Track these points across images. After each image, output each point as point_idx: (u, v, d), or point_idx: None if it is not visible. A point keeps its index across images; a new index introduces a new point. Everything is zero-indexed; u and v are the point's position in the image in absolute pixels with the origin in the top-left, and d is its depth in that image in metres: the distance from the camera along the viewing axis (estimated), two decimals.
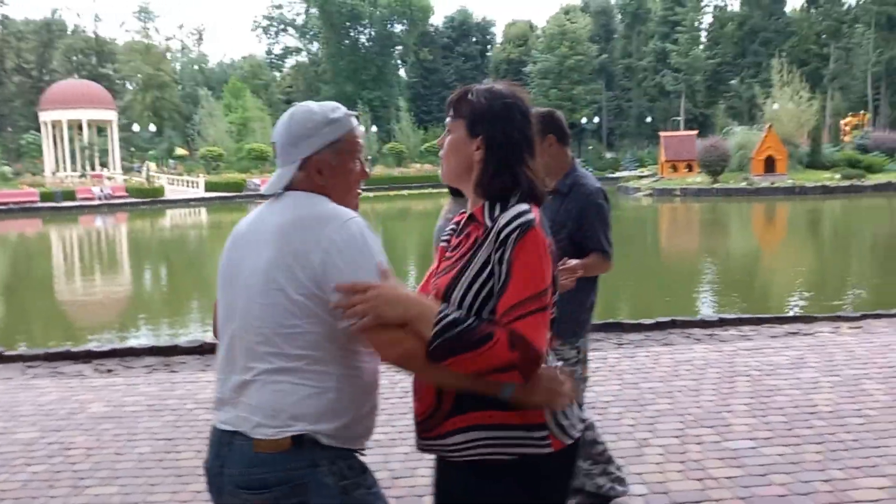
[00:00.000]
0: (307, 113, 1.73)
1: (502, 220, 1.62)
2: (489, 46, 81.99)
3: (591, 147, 60.01)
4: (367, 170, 1.84)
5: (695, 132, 43.75)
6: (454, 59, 78.38)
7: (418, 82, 77.63)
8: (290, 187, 1.72)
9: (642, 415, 4.71)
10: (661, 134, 43.51)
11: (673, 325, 7.07)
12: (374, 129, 59.14)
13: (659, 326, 7.04)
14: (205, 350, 6.41)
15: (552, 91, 65.83)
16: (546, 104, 63.25)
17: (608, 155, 62.80)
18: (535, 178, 1.71)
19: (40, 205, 38.24)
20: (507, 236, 1.59)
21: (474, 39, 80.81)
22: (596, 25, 71.77)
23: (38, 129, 51.79)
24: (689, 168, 38.25)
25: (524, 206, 1.64)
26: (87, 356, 6.38)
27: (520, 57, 73.62)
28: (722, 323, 7.10)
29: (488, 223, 1.67)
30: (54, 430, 4.58)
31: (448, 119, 1.78)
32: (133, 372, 6.04)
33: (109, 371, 6.08)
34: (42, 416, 4.89)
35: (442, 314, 1.55)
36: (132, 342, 7.13)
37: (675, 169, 39.24)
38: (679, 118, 62.81)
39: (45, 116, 49.26)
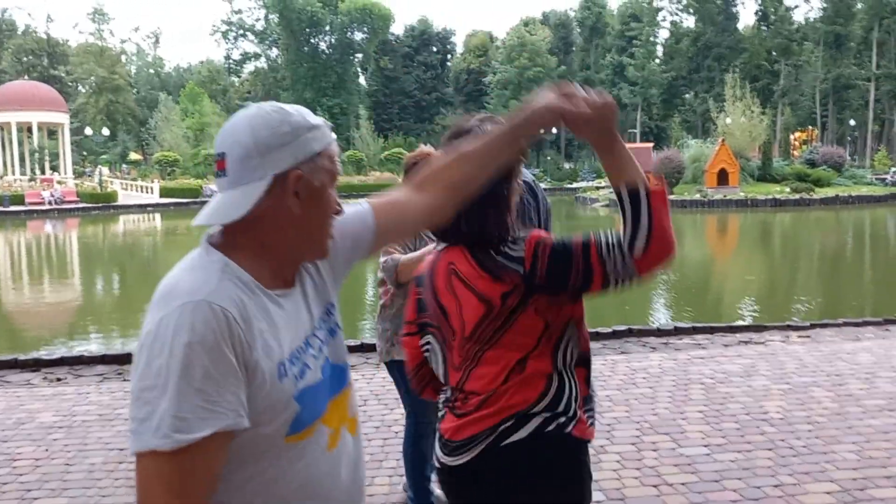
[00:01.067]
0: (281, 113, 1.22)
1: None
2: (449, 56, 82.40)
3: (549, 158, 60.66)
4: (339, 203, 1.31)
5: (650, 144, 44.52)
6: (415, 67, 78.54)
7: (378, 90, 77.58)
8: (253, 216, 1.18)
9: (599, 422, 4.75)
10: None
11: (629, 333, 7.17)
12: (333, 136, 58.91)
13: (615, 335, 7.13)
14: None
15: (511, 101, 66.34)
16: (506, 115, 64.57)
17: (566, 166, 63.51)
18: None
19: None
20: None
21: (435, 49, 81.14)
22: (555, 38, 72.68)
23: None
24: None
25: None
26: (36, 364, 6.21)
27: (480, 67, 74.13)
28: (677, 332, 7.23)
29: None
30: (1, 441, 4.44)
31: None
32: (84, 381, 5.90)
33: (59, 380, 5.93)
34: None
35: None
36: (82, 350, 6.96)
37: None
38: (635, 130, 63.87)
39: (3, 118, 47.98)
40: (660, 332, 7.21)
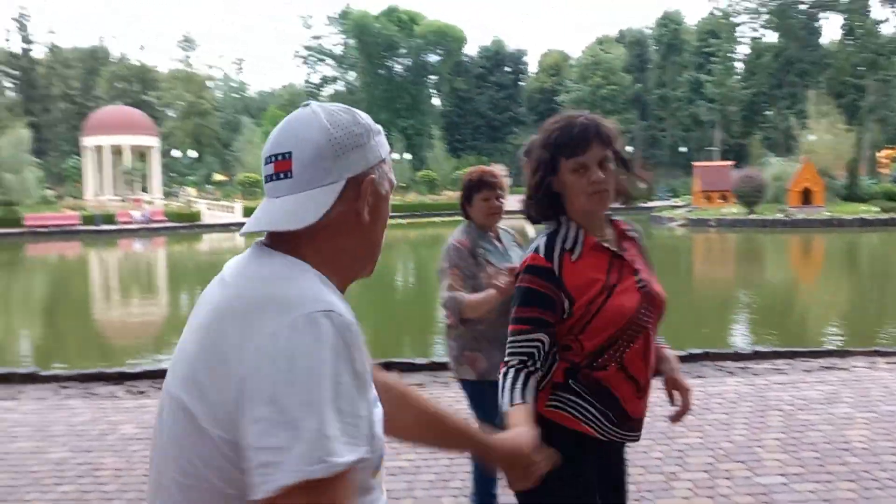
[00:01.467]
0: (350, 113, 1.13)
1: (636, 228, 2.11)
2: (522, 76, 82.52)
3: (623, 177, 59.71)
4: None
5: (730, 163, 43.38)
6: (488, 88, 78.97)
7: (452, 111, 78.28)
8: (323, 223, 1.07)
9: (671, 448, 4.63)
10: (695, 164, 43.23)
11: (706, 357, 6.97)
12: (407, 156, 59.66)
13: (691, 358, 6.94)
14: None
15: None
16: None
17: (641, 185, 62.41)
18: None
19: (81, 227, 39.09)
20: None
21: (508, 69, 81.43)
22: (630, 56, 71.89)
23: (81, 154, 53.16)
24: (724, 199, 37.85)
25: None
26: (120, 378, 6.47)
27: (553, 86, 73.94)
28: (756, 356, 6.99)
29: (634, 234, 2.09)
30: (85, 451, 4.65)
31: (594, 151, 1.91)
32: None
33: (141, 392, 6.16)
34: (73, 437, 4.97)
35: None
36: (165, 364, 7.23)
37: (709, 199, 38.87)
38: (714, 148, 62.35)
39: (88, 142, 50.56)
40: (738, 356, 6.98)
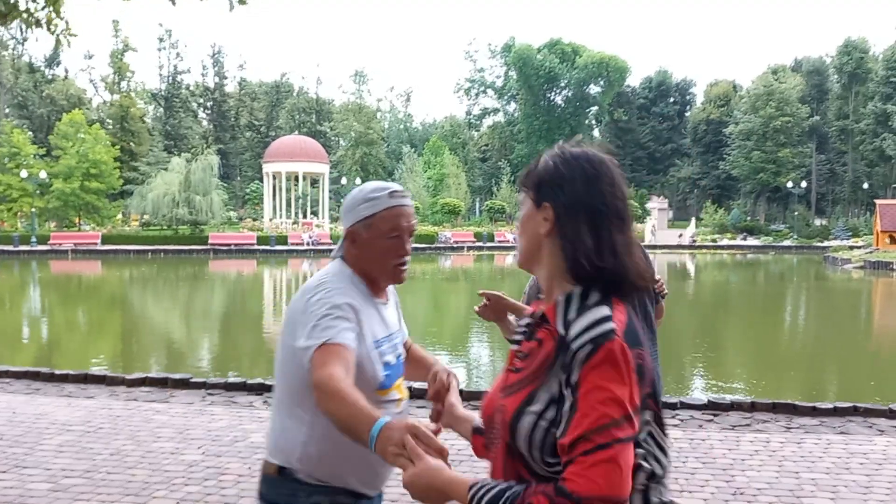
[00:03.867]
0: (356, 191, 1.96)
1: (573, 330, 1.30)
2: (688, 107, 79.88)
3: (797, 213, 56.05)
4: (408, 248, 1.93)
5: None
6: (650, 119, 77.15)
7: (611, 142, 77.03)
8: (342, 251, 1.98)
9: None
10: (879, 202, 39.78)
11: (854, 411, 6.40)
12: None
13: (837, 412, 6.40)
14: None
15: (754, 153, 62.61)
16: (748, 166, 59.82)
17: (817, 222, 58.29)
18: (626, 262, 1.35)
19: (256, 247, 42.29)
20: (575, 354, 1.27)
21: (672, 100, 79.17)
22: (808, 85, 67.61)
23: (262, 180, 57.43)
24: None
25: (604, 310, 1.30)
26: (260, 388, 6.92)
27: (720, 117, 70.93)
28: None
29: (561, 330, 1.33)
30: (215, 455, 5.03)
31: (520, 196, 1.48)
32: None
33: None
34: (209, 441, 5.39)
35: (473, 494, 1.28)
36: None
37: (893, 241, 35.59)
38: None
39: (268, 168, 54.53)
40: (892, 413, 6.35)
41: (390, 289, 2.05)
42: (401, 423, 1.41)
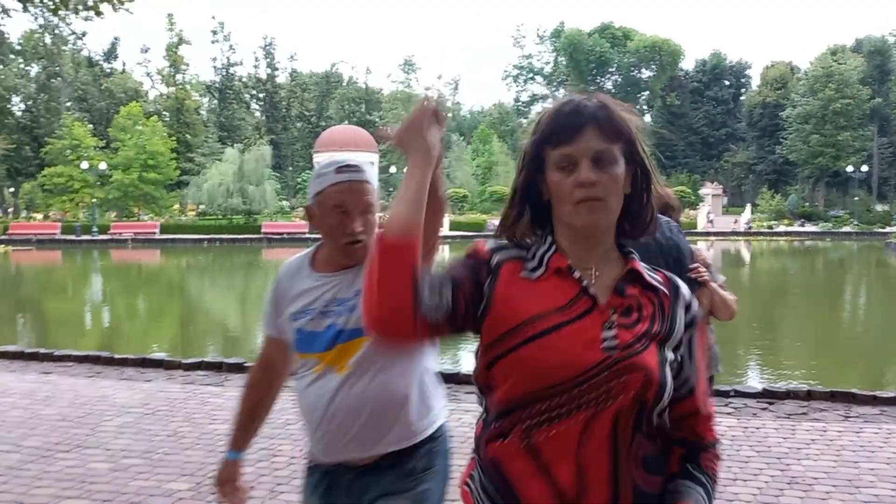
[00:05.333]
0: (315, 166, 2.05)
1: (686, 292, 1.38)
2: (743, 90, 77.89)
3: (857, 198, 54.28)
4: (356, 227, 1.87)
5: None
6: (704, 103, 75.48)
7: (663, 127, 75.72)
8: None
9: (855, 498, 4.21)
10: None
11: None
12: None
13: None
14: None
15: (813, 137, 60.74)
16: (806, 150, 57.98)
17: (878, 208, 56.36)
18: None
19: (308, 236, 42.87)
20: (695, 317, 1.38)
21: (727, 83, 77.28)
22: (869, 66, 65.20)
23: (313, 169, 58.13)
24: None
25: (677, 278, 1.42)
26: None
27: (777, 100, 68.95)
28: None
29: (664, 289, 1.35)
30: (268, 437, 5.13)
31: (588, 140, 1.28)
32: None
33: None
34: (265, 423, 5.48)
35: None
36: None
37: None
38: None
39: (319, 157, 55.08)
40: None
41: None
42: (224, 473, 2.20)
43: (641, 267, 1.36)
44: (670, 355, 1.31)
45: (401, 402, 1.90)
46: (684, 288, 1.38)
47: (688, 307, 1.36)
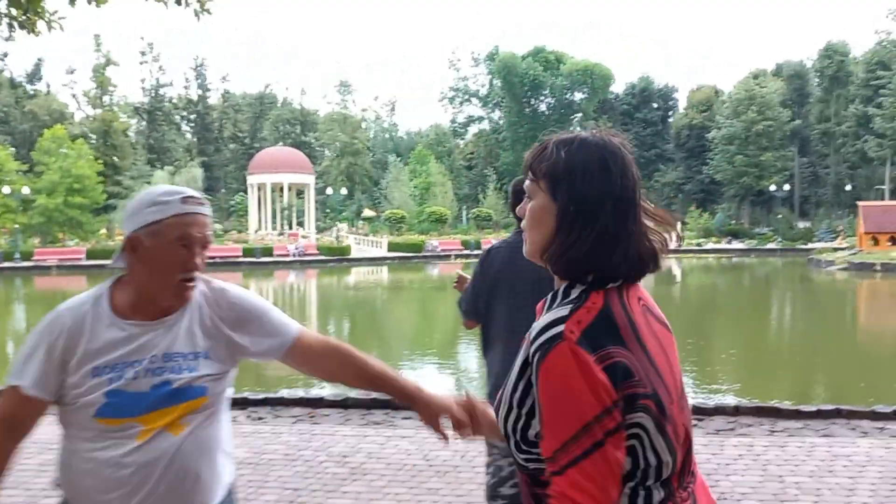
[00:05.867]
0: (144, 194, 1.77)
1: (533, 330, 1.28)
2: (671, 112, 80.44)
3: (780, 216, 56.45)
4: (199, 262, 1.74)
5: None
6: (634, 125, 77.52)
7: None
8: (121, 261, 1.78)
9: None
10: (861, 204, 40.18)
11: (837, 414, 6.43)
12: None
13: (820, 415, 6.43)
14: (348, 405, 6.72)
15: (737, 157, 63.03)
16: (731, 170, 59.83)
17: (801, 225, 58.76)
18: (632, 253, 1.32)
19: (242, 259, 42.08)
20: (532, 356, 1.25)
21: (655, 106, 79.67)
22: (789, 89, 68.21)
23: (246, 191, 57.27)
24: (893, 241, 34.88)
25: (563, 310, 1.26)
26: (244, 403, 6.88)
27: (703, 122, 71.42)
28: None
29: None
30: None
31: (527, 182, 1.39)
32: (280, 421, 6.45)
33: (260, 419, 6.53)
34: None
35: None
36: (285, 393, 7.61)
37: (876, 242, 35.92)
38: (883, 187, 57.68)
39: (253, 180, 54.38)
40: (875, 415, 6.39)
41: (203, 297, 1.83)
42: None
43: (542, 307, 1.39)
44: (518, 394, 1.32)
45: (217, 458, 1.83)
46: (532, 333, 1.28)
47: (531, 347, 1.26)
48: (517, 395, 1.30)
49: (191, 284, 1.74)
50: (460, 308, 3.52)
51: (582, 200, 1.29)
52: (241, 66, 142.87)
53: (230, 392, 1.92)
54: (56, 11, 6.58)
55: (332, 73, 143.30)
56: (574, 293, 1.30)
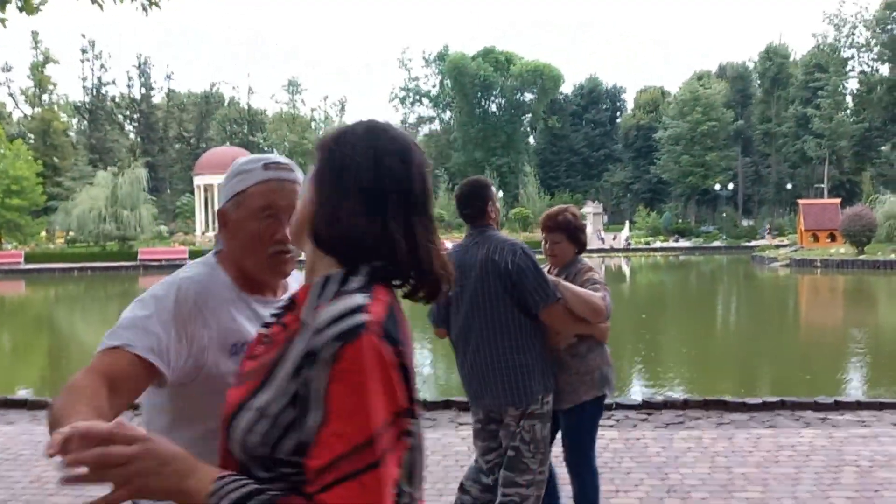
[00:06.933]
0: (233, 163, 1.63)
1: (322, 318, 1.09)
2: (619, 113, 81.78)
3: (724, 214, 57.85)
4: (286, 230, 1.54)
5: (837, 200, 41.33)
6: (583, 125, 78.67)
7: (546, 148, 78.29)
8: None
9: (728, 503, 4.41)
10: (801, 202, 41.40)
11: (781, 405, 6.60)
12: (500, 194, 59.94)
13: (766, 406, 6.59)
14: None
15: (683, 157, 64.38)
16: (678, 170, 61.02)
17: (744, 223, 60.31)
18: (407, 244, 1.17)
19: (189, 261, 41.12)
20: (322, 349, 1.06)
21: (604, 106, 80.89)
22: (732, 91, 69.93)
23: (193, 193, 56.21)
24: (832, 238, 35.99)
25: (357, 298, 1.10)
26: None
27: (650, 123, 72.81)
28: (837, 406, 6.56)
29: (305, 318, 1.15)
30: None
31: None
32: None
33: None
34: None
35: (218, 487, 1.01)
36: None
37: (815, 239, 37.04)
38: (822, 186, 59.59)
39: (199, 181, 53.37)
40: (817, 406, 6.57)
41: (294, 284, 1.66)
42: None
43: (307, 293, 1.20)
44: (262, 399, 1.12)
45: None
46: (319, 323, 1.09)
47: (318, 351, 1.07)
48: (279, 398, 1.09)
49: (286, 256, 1.58)
50: (430, 318, 3.50)
51: (334, 171, 1.19)
52: (187, 65, 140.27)
53: None
54: None
55: (280, 73, 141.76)
56: (356, 282, 1.14)
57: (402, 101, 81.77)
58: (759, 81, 70.74)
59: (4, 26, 6.45)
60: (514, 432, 3.17)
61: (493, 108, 74.53)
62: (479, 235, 3.29)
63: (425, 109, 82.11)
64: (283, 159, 1.62)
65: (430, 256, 1.19)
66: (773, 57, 67.39)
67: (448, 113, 79.73)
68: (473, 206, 3.33)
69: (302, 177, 1.59)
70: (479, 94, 73.26)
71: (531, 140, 79.88)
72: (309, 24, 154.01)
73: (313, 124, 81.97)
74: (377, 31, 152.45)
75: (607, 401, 6.55)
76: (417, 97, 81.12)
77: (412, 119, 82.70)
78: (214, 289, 1.55)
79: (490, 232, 3.30)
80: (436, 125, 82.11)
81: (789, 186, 64.01)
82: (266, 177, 1.58)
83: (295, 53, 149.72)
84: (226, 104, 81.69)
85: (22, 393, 8.32)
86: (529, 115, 75.67)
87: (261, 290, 1.62)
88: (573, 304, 3.16)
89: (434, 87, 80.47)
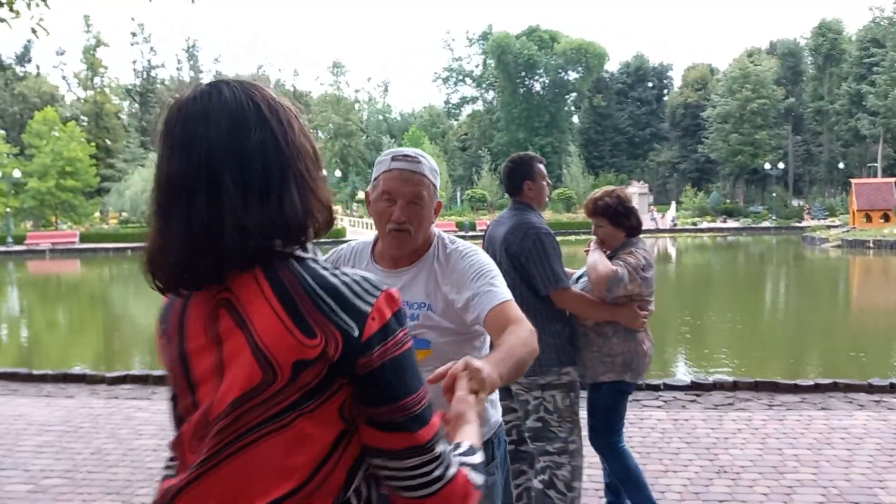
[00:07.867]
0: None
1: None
2: (666, 91, 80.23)
3: (774, 194, 56.53)
4: (398, 216, 1.87)
5: (892, 180, 40.07)
6: (628, 104, 77.38)
7: (590, 128, 77.32)
8: None
9: (779, 484, 4.36)
10: (854, 181, 40.23)
11: (835, 387, 6.47)
12: None
13: (818, 388, 6.46)
14: None
15: (732, 136, 63.01)
16: (726, 149, 59.81)
17: (794, 203, 58.90)
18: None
19: None
20: None
21: (650, 84, 79.46)
22: (783, 68, 68.07)
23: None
24: (886, 218, 34.98)
25: None
26: None
27: (698, 101, 71.30)
28: (892, 389, 6.40)
29: None
30: None
31: None
32: None
33: None
34: None
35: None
36: None
37: (868, 219, 36.02)
38: (876, 164, 57.78)
39: None
40: (871, 388, 6.42)
41: (435, 258, 1.95)
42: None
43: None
44: None
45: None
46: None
47: None
48: None
49: (398, 233, 1.88)
50: None
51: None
52: (234, 47, 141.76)
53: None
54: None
55: (325, 55, 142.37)
56: None
57: (445, 81, 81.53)
58: (811, 58, 68.74)
59: (29, 7, 6.50)
60: (533, 405, 3.24)
61: (537, 87, 73.87)
62: (512, 210, 3.39)
63: (468, 89, 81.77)
64: (411, 151, 1.91)
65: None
66: (827, 33, 65.36)
67: (491, 93, 79.26)
68: (510, 180, 3.43)
69: (429, 168, 1.90)
70: (523, 74, 72.65)
71: (575, 119, 79.00)
72: (353, 5, 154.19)
73: (357, 105, 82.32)
74: (420, 14, 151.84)
75: (655, 381, 6.56)
76: (460, 77, 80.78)
77: (455, 99, 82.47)
78: (361, 254, 2.05)
79: (521, 209, 3.35)
80: (479, 105, 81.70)
81: (841, 166, 62.28)
82: (391, 167, 1.90)
83: (339, 35, 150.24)
84: (271, 86, 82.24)
85: (80, 368, 8.59)
86: (574, 94, 74.83)
87: (391, 263, 1.99)
88: (588, 270, 3.28)
89: (477, 66, 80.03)
